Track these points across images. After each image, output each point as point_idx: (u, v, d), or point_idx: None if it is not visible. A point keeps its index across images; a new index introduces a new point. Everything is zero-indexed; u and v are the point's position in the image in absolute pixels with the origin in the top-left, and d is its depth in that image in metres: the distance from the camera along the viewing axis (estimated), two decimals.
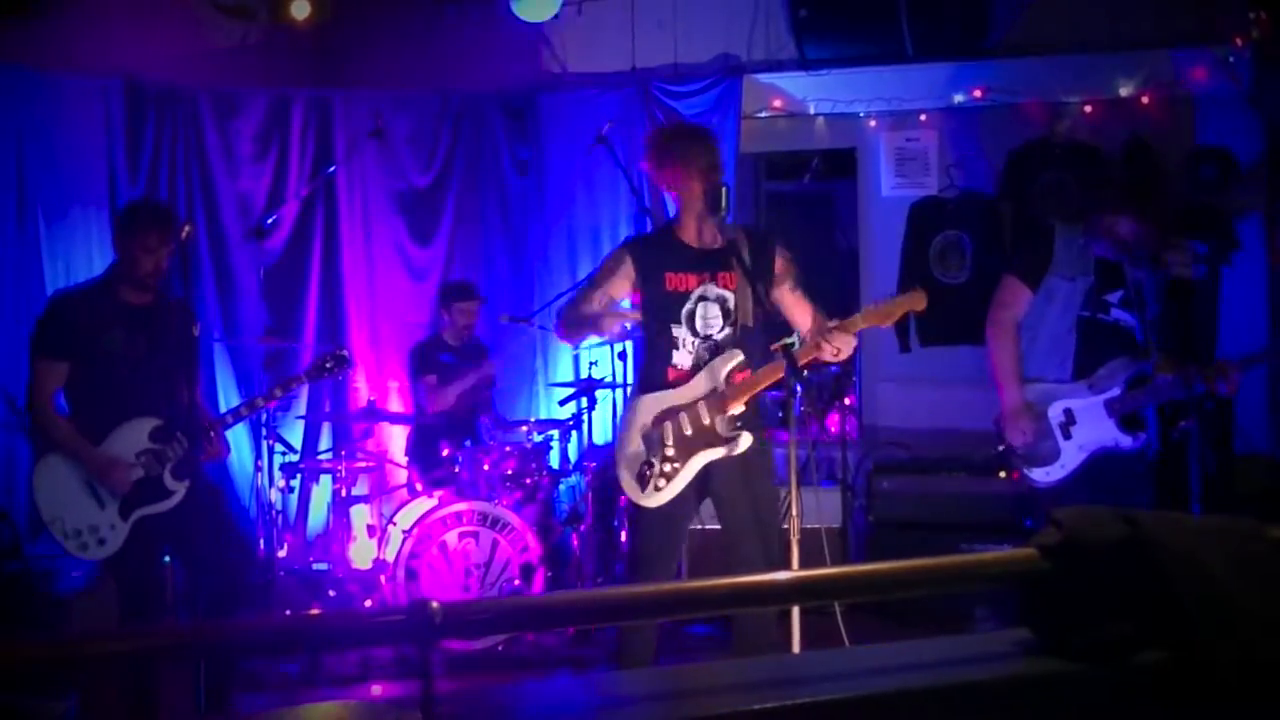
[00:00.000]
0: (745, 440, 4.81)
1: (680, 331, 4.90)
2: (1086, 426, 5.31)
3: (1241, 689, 2.14)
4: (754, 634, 4.86)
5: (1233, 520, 2.34)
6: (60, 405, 5.26)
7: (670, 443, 4.84)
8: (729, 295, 4.91)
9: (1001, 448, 5.62)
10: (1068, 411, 5.35)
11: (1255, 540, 2.30)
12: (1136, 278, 5.26)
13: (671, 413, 4.86)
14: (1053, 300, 5.41)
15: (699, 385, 4.86)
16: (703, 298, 4.90)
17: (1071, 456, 5.36)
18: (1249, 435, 7.65)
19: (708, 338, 4.90)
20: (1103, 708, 2.13)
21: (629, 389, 5.07)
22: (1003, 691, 2.12)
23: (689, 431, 4.84)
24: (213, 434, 5.32)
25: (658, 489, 4.84)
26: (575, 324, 5.07)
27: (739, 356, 4.86)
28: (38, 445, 5.33)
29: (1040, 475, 5.45)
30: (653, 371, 4.98)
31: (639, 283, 4.96)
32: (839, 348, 4.68)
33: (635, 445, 4.89)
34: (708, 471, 4.88)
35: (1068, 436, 5.35)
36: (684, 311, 4.90)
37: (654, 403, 4.91)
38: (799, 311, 5.03)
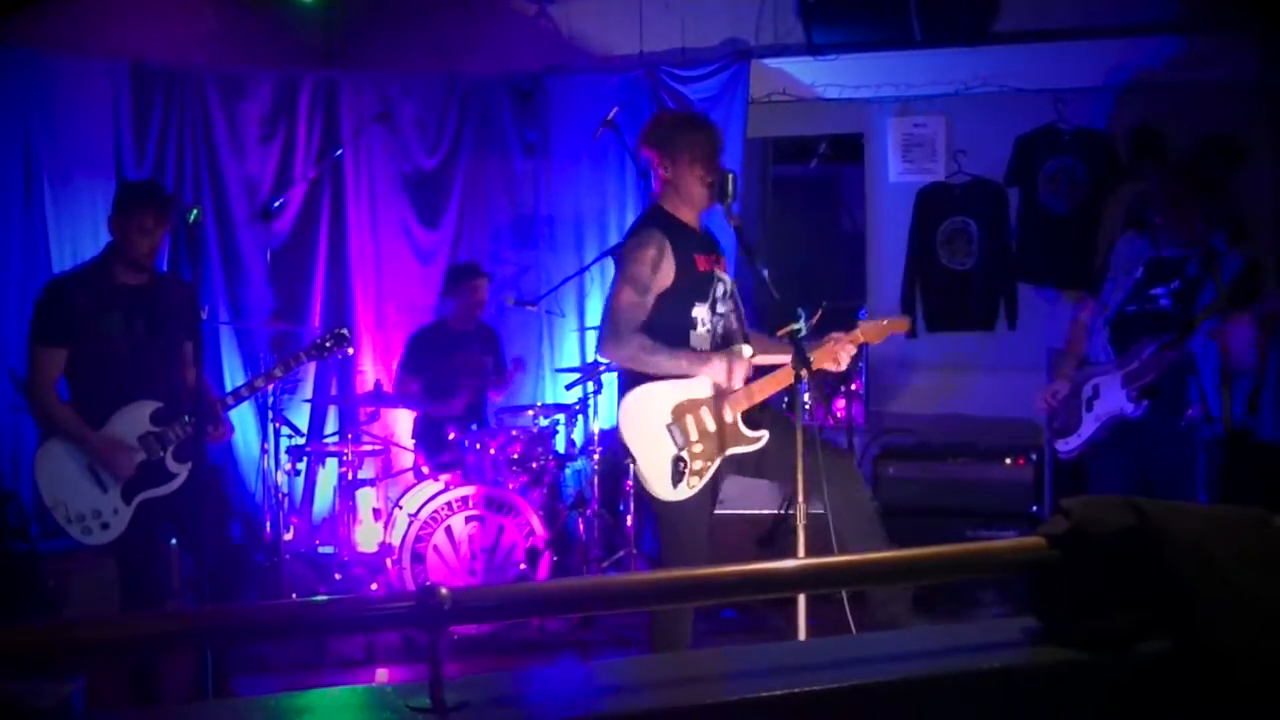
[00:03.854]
0: (763, 439, 4.82)
1: (701, 311, 4.87)
2: (1104, 399, 5.58)
3: (1246, 677, 2.14)
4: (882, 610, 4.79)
5: (1240, 510, 2.35)
6: (61, 390, 5.25)
7: (697, 438, 4.77)
8: (727, 279, 4.98)
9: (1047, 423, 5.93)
10: (1095, 387, 5.61)
11: (1262, 530, 2.31)
12: (1194, 268, 5.40)
13: (690, 406, 4.78)
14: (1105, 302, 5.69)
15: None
16: (719, 279, 4.93)
17: (1088, 426, 5.64)
18: (1257, 423, 7.64)
19: (722, 315, 4.93)
20: (1109, 696, 2.13)
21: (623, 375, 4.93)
22: (1010, 680, 2.12)
23: (712, 427, 4.79)
24: (216, 416, 5.26)
25: (690, 486, 4.76)
26: (637, 351, 4.80)
27: (750, 352, 4.86)
28: (39, 430, 5.32)
29: (1063, 445, 5.79)
30: None
31: (676, 265, 4.84)
32: (840, 359, 4.71)
33: (659, 438, 4.76)
34: (740, 460, 4.90)
35: (1090, 409, 5.63)
36: (709, 291, 4.90)
37: (668, 393, 4.80)
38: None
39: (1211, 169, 7.76)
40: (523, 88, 8.78)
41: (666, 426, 4.78)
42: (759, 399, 4.83)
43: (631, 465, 4.79)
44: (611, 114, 7.54)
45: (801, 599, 4.30)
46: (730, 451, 4.82)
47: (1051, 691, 2.13)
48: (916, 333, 8.66)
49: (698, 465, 4.77)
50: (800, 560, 3.16)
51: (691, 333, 4.86)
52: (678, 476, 4.75)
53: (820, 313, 7.77)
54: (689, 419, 4.77)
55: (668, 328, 4.83)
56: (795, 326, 4.34)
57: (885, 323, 5.19)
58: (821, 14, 8.27)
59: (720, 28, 8.67)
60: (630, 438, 4.82)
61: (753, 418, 4.86)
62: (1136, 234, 5.67)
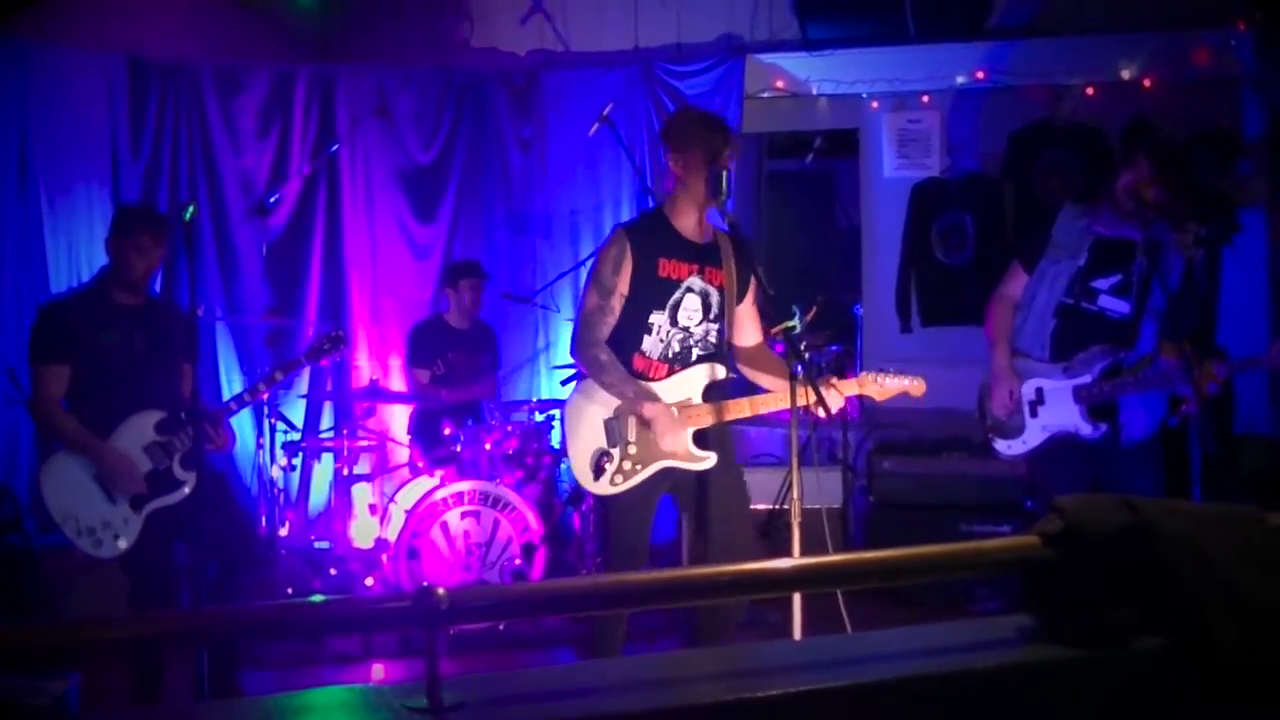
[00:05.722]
0: (709, 461, 4.78)
1: (658, 318, 4.77)
2: (1053, 408, 5.37)
3: (1242, 674, 2.15)
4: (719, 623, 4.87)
5: (1233, 508, 2.35)
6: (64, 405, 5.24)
7: (634, 440, 4.76)
8: (712, 291, 4.82)
9: (979, 413, 5.68)
10: (1039, 390, 5.41)
11: (1255, 528, 2.32)
12: (1142, 265, 5.23)
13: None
14: (1041, 281, 5.44)
15: (673, 390, 4.79)
16: (689, 289, 4.78)
17: (1034, 434, 5.44)
18: (1249, 416, 7.67)
19: (685, 329, 4.81)
20: (1105, 694, 2.14)
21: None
22: (1005, 678, 2.13)
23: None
24: (218, 424, 5.25)
25: (614, 484, 4.77)
26: (592, 364, 4.78)
27: (720, 373, 4.82)
28: (45, 446, 5.30)
29: (1003, 447, 5.57)
30: (619, 355, 4.81)
31: (632, 267, 4.76)
32: (830, 405, 4.39)
33: (593, 430, 4.79)
34: (670, 471, 4.82)
35: (1034, 415, 5.43)
36: (670, 300, 4.77)
37: None
38: (751, 326, 4.97)
39: (1205, 162, 7.78)
40: (518, 82, 8.79)
41: (605, 421, 4.79)
42: (715, 420, 4.78)
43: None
44: (607, 109, 7.53)
45: (796, 597, 4.30)
46: (670, 464, 4.78)
47: (1047, 689, 2.14)
48: (912, 327, 8.69)
49: (626, 465, 4.76)
50: (795, 560, 3.16)
51: (646, 337, 4.78)
52: (598, 470, 4.78)
53: (815, 309, 7.81)
54: (631, 420, 4.76)
55: (623, 330, 4.81)
56: (790, 324, 4.33)
57: (895, 381, 4.88)
58: (816, 9, 8.29)
59: (715, 23, 8.69)
60: (568, 421, 4.87)
61: (705, 440, 4.81)
62: (1078, 208, 5.44)
